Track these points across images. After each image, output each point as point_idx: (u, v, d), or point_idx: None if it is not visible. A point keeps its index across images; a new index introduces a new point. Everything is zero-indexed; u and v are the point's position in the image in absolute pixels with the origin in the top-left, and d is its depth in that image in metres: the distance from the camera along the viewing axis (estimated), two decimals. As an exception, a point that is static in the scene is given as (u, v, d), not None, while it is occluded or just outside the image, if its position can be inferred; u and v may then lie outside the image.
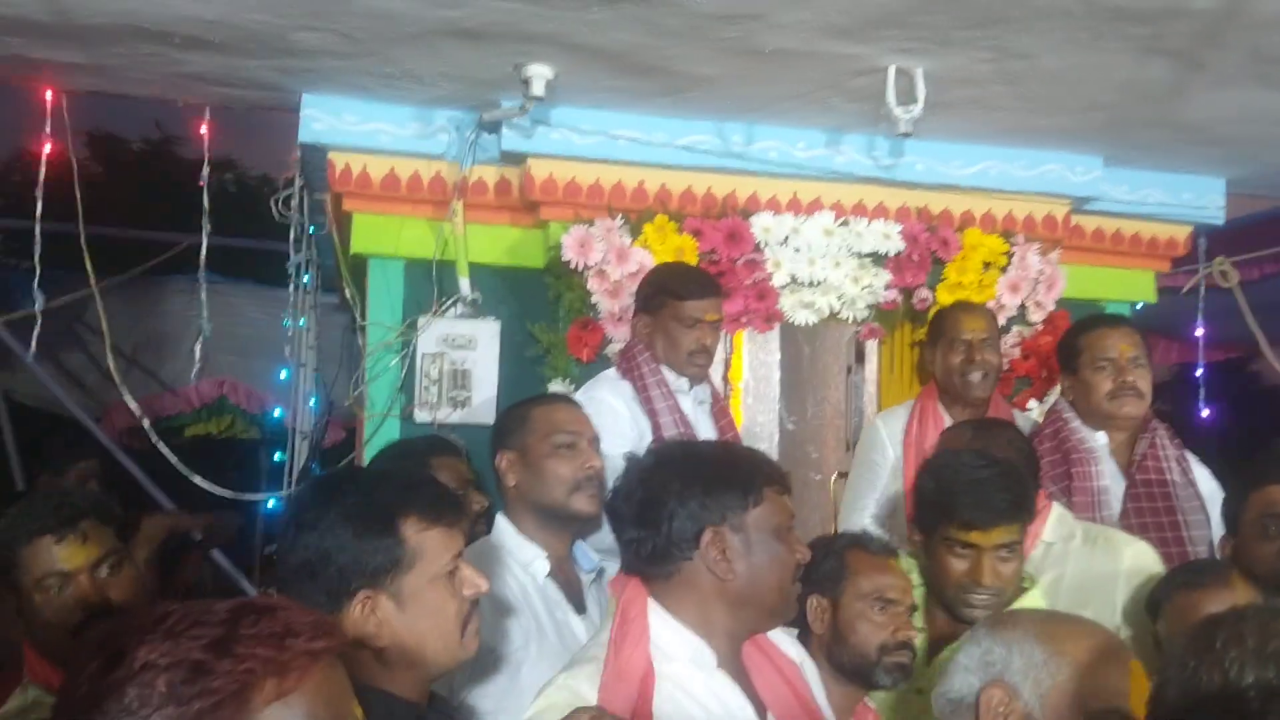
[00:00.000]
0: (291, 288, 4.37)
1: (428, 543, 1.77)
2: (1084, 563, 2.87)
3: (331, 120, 3.78)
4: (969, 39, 3.14)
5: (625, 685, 1.88)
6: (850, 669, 2.40)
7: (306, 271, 4.72)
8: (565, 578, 2.66)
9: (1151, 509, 3.16)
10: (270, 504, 4.49)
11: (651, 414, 3.28)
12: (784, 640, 2.16)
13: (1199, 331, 5.16)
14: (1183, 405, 5.23)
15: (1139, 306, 4.68)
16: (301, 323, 4.96)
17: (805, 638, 2.35)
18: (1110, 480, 3.27)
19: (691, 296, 3.34)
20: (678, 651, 1.94)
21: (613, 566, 2.85)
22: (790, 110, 3.79)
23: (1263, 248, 4.99)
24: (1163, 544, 3.02)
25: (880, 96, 3.41)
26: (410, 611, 1.75)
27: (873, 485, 3.73)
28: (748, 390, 4.43)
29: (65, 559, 2.18)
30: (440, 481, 2.00)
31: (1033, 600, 2.51)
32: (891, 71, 3.34)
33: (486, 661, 2.39)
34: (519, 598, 2.53)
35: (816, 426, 5.74)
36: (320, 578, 1.71)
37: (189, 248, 6.39)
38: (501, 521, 2.67)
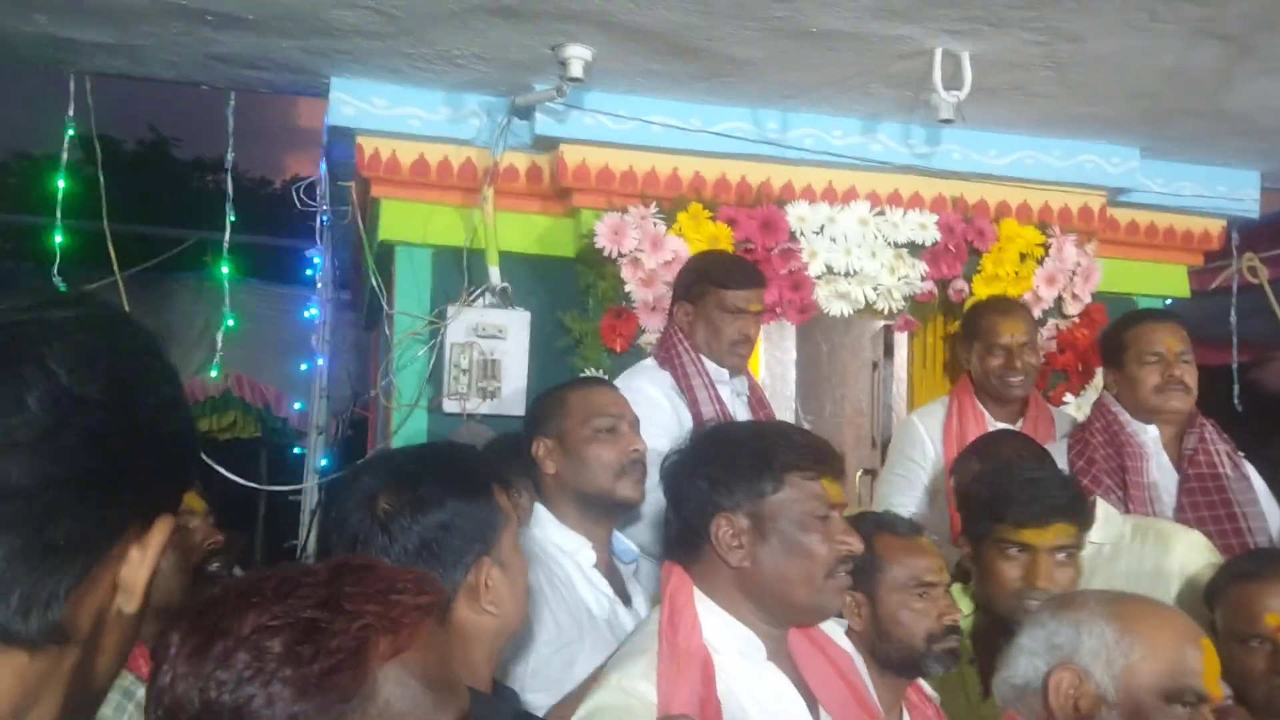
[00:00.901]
0: (315, 279, 4.27)
1: (508, 507, 1.76)
2: (1135, 559, 2.79)
3: (361, 105, 3.70)
4: (1021, 19, 3.09)
5: (687, 675, 1.79)
6: (898, 662, 2.26)
7: (319, 265, 4.64)
8: (609, 568, 2.57)
9: (1207, 502, 3.10)
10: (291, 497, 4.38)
11: (692, 404, 3.20)
12: (836, 631, 2.09)
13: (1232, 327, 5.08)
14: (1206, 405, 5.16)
15: (1169, 302, 4.63)
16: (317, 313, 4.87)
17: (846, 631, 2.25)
18: (1160, 475, 3.21)
19: (735, 285, 3.26)
20: (725, 642, 1.86)
21: (645, 564, 2.78)
22: (828, 97, 3.73)
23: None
24: (1221, 536, 2.96)
25: (919, 82, 3.37)
26: (509, 574, 1.72)
27: (911, 483, 3.66)
28: (764, 388, 4.35)
29: (191, 500, 2.54)
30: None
31: None
32: (938, 54, 3.28)
33: (542, 655, 2.30)
34: (568, 590, 2.43)
35: (836, 424, 5.65)
36: (444, 552, 1.66)
37: (195, 244, 6.36)
38: (540, 512, 2.55)
